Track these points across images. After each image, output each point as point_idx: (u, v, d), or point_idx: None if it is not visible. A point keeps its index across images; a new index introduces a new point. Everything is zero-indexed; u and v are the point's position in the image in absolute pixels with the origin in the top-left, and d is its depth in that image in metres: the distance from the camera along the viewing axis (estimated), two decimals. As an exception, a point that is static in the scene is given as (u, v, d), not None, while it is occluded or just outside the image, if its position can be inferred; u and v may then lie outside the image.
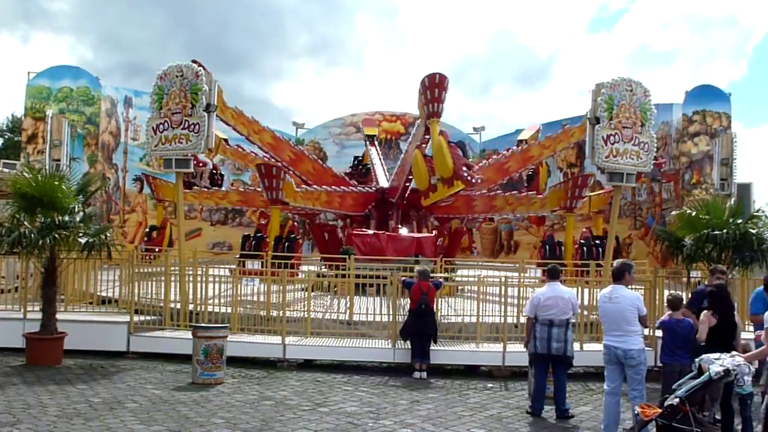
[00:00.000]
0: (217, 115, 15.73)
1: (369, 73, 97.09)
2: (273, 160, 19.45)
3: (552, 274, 8.66)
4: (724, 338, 7.39)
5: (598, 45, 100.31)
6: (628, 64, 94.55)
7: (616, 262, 7.68)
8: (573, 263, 15.83)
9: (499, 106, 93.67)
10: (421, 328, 10.49)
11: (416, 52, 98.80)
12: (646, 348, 8.07)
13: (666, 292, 12.41)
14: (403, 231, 19.02)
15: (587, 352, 10.59)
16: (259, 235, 19.51)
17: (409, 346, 10.67)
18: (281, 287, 11.89)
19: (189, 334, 10.14)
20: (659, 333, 10.56)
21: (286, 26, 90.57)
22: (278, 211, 18.12)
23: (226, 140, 22.86)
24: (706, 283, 9.19)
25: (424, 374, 10.35)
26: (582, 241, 19.31)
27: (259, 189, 19.58)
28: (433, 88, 15.98)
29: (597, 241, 18.98)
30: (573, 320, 8.57)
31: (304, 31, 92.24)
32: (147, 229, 22.63)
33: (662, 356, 8.10)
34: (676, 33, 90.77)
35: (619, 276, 7.39)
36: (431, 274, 11.51)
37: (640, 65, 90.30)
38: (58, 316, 11.14)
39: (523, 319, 10.09)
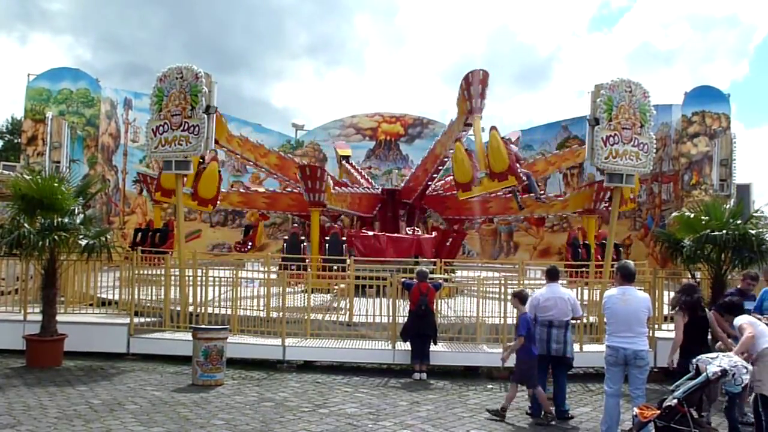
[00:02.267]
0: (222, 145, 15.96)
1: (369, 73, 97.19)
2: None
3: (551, 276, 8.66)
4: (696, 334, 7.54)
5: (600, 44, 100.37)
6: (629, 64, 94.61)
7: (628, 264, 7.63)
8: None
9: (500, 106, 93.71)
10: (420, 329, 10.51)
11: (416, 52, 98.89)
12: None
13: (666, 294, 12.51)
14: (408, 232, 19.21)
15: (587, 353, 10.60)
16: (145, 228, 20.93)
17: (409, 347, 10.69)
18: (281, 288, 11.91)
19: (189, 336, 10.15)
20: (662, 333, 10.63)
21: (286, 26, 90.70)
22: (318, 213, 18.46)
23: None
24: (738, 286, 9.21)
25: (424, 375, 10.36)
26: (603, 241, 19.43)
27: (261, 190, 19.76)
28: (477, 85, 16.06)
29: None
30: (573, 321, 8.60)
31: (303, 31, 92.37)
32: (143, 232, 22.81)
33: (533, 349, 8.22)
34: (678, 32, 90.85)
35: (632, 277, 7.41)
36: (431, 276, 11.52)
37: (641, 65, 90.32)
38: (58, 317, 11.16)
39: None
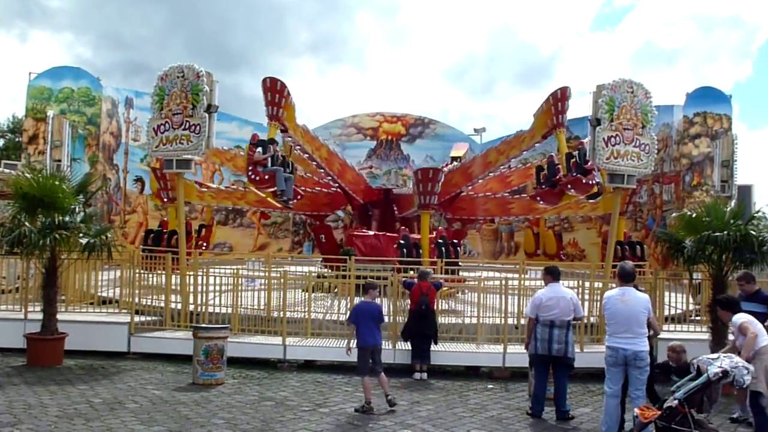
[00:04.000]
0: (289, 134, 16.08)
1: (370, 72, 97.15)
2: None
3: (553, 275, 8.65)
4: None
5: (602, 43, 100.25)
6: (631, 64, 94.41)
7: (626, 264, 7.64)
8: (429, 261, 15.76)
9: (501, 106, 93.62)
10: (421, 328, 10.51)
11: (417, 50, 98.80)
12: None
13: (667, 294, 12.51)
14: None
15: (587, 353, 10.60)
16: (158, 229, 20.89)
17: (410, 347, 10.69)
18: (282, 289, 11.91)
19: (190, 335, 10.16)
20: (662, 334, 10.61)
21: (287, 24, 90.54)
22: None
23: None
24: (739, 290, 9.15)
25: (425, 375, 10.36)
26: (438, 240, 19.35)
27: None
28: (267, 92, 15.97)
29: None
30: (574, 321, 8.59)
31: (305, 29, 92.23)
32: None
33: (359, 340, 8.56)
34: (681, 32, 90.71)
35: (631, 278, 7.40)
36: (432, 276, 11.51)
37: (643, 64, 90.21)
38: (59, 316, 11.17)
39: (523, 320, 10.11)
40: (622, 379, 7.25)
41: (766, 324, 7.86)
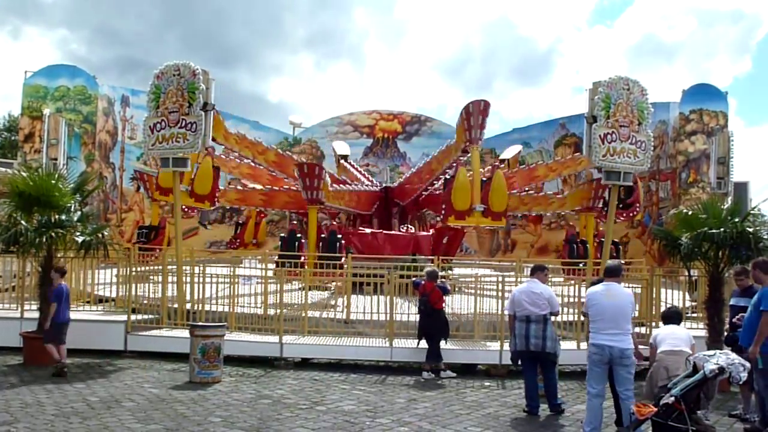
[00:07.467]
0: (220, 143, 16.06)
1: (368, 68, 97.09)
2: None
3: (533, 271, 8.74)
4: None
5: (601, 37, 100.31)
6: (630, 58, 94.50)
7: (612, 261, 7.70)
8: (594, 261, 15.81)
9: (499, 102, 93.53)
10: (425, 328, 10.48)
11: (414, 45, 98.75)
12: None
13: (663, 291, 12.53)
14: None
15: (585, 350, 10.57)
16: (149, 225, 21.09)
17: (412, 346, 10.68)
18: (278, 285, 11.90)
19: (186, 333, 10.15)
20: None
21: (284, 19, 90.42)
22: (315, 210, 17.94)
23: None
24: (751, 282, 9.18)
25: (451, 372, 10.31)
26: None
27: (258, 187, 19.83)
28: (477, 115, 15.82)
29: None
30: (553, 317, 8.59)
31: (302, 24, 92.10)
32: (142, 230, 22.34)
33: (64, 316, 10.14)
34: (680, 27, 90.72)
35: (616, 273, 7.40)
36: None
37: (642, 59, 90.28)
38: (56, 315, 11.13)
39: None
40: (606, 378, 7.20)
41: (740, 316, 7.96)
